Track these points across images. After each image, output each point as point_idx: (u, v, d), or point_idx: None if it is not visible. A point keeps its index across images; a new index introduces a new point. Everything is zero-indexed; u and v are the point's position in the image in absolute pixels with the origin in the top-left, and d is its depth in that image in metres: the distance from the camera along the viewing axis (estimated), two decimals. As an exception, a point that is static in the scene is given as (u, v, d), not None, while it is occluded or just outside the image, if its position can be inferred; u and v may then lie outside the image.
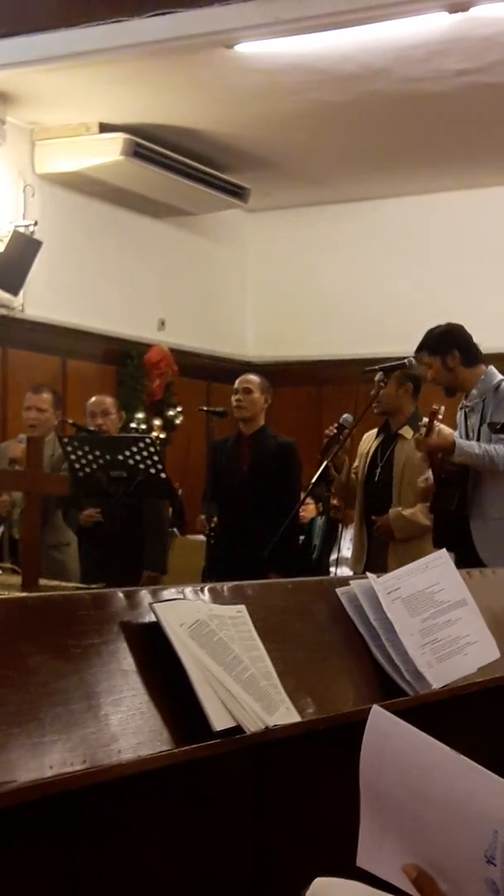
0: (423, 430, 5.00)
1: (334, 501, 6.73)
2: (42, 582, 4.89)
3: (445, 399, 5.38)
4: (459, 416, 5.25)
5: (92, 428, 6.10)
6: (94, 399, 6.43)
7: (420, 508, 5.46)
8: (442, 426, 5.12)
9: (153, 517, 6.09)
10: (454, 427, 5.31)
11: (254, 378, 6.34)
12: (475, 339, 5.35)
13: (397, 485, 5.56)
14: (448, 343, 5.17)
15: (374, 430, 5.84)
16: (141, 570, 5.95)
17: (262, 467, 6.20)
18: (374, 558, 5.49)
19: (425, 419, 5.10)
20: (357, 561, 5.67)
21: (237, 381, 6.35)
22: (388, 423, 5.72)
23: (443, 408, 5.14)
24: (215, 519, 6.10)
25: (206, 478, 6.41)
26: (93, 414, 6.26)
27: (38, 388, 6.26)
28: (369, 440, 5.80)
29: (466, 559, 4.55)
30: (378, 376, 5.60)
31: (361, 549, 5.67)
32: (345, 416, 5.52)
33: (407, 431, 5.61)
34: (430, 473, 5.22)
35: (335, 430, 5.48)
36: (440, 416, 5.06)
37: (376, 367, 5.65)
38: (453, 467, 5.02)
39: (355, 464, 5.74)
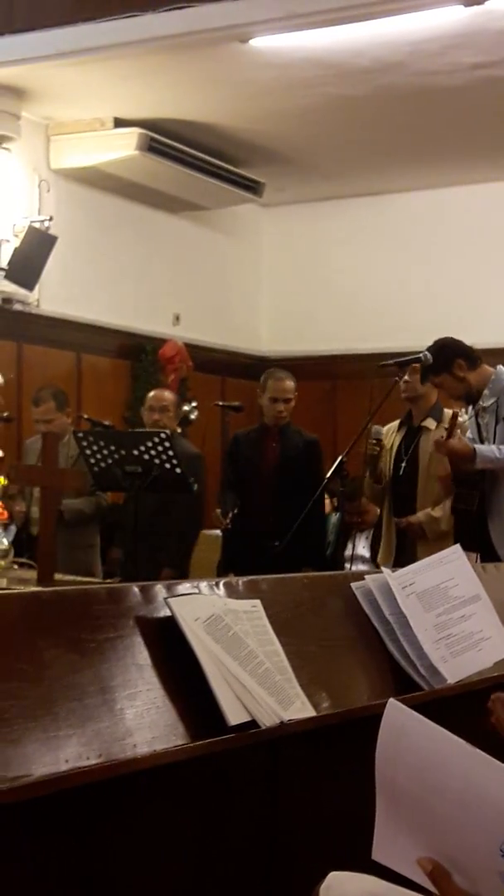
0: (445, 434, 4.99)
1: (357, 519, 6.72)
2: (57, 576, 4.91)
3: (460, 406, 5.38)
4: (471, 418, 5.23)
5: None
6: (153, 394, 6.44)
7: (446, 505, 5.45)
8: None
9: (183, 516, 6.08)
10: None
11: (292, 385, 6.25)
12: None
13: (423, 479, 5.54)
14: (449, 356, 5.15)
15: (395, 423, 5.81)
16: (159, 567, 5.93)
17: (290, 463, 6.17)
18: (405, 556, 5.46)
19: (445, 425, 5.09)
20: (386, 558, 5.64)
21: (277, 391, 6.20)
22: (411, 415, 5.70)
23: (464, 411, 5.14)
24: (231, 513, 6.07)
25: (224, 470, 6.37)
26: (151, 408, 6.27)
27: (37, 399, 6.16)
28: (391, 434, 5.78)
29: (488, 558, 4.55)
30: (406, 376, 5.59)
31: (390, 546, 5.65)
32: (375, 428, 5.56)
33: (430, 423, 5.60)
34: (447, 463, 5.20)
35: (377, 448, 5.51)
36: (461, 420, 5.06)
37: (391, 361, 5.63)
38: (472, 469, 5.01)
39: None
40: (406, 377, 5.58)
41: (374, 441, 5.54)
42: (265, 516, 6.06)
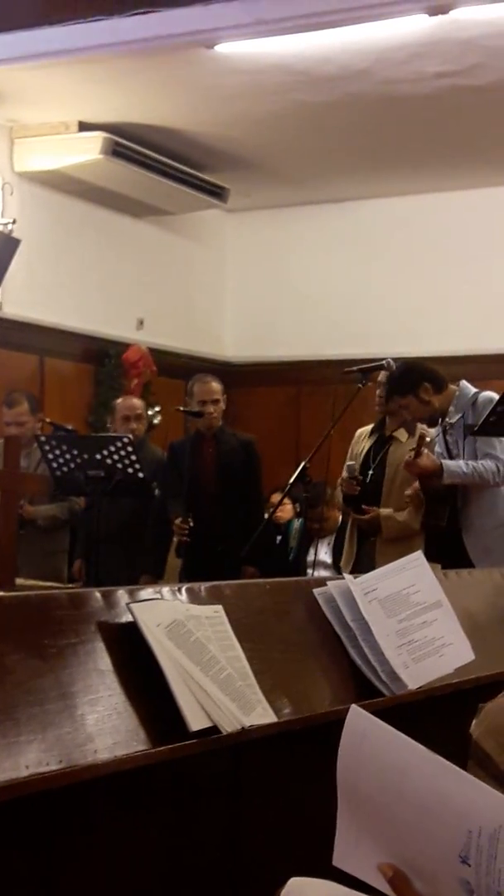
0: (412, 454, 5.01)
1: (316, 526, 6.80)
2: (19, 581, 4.89)
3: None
4: (438, 435, 5.24)
5: (114, 432, 6.10)
6: (124, 402, 6.41)
7: (410, 512, 5.48)
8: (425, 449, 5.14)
9: (156, 521, 6.09)
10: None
11: (218, 386, 6.32)
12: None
13: (388, 486, 5.57)
14: (416, 379, 5.16)
15: (367, 428, 5.83)
16: (132, 573, 5.90)
17: (229, 465, 6.23)
18: (364, 560, 5.49)
19: (416, 442, 5.13)
20: (347, 561, 5.68)
21: (204, 393, 6.28)
22: (384, 422, 5.72)
23: (431, 431, 5.17)
24: (190, 520, 6.08)
25: (171, 480, 6.35)
26: (126, 418, 6.24)
27: (11, 401, 6.14)
28: (362, 439, 5.80)
29: None
30: (378, 390, 5.62)
31: (352, 549, 5.68)
32: (349, 463, 5.60)
33: (402, 434, 5.62)
34: (415, 486, 5.26)
35: (357, 487, 5.54)
36: (428, 440, 5.08)
37: (355, 368, 5.65)
38: (440, 485, 5.04)
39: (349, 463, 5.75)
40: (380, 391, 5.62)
41: (354, 480, 5.57)
42: (210, 520, 6.08)
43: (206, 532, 6.03)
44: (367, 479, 5.62)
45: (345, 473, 5.65)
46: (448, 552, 4.93)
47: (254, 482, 6.34)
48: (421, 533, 5.47)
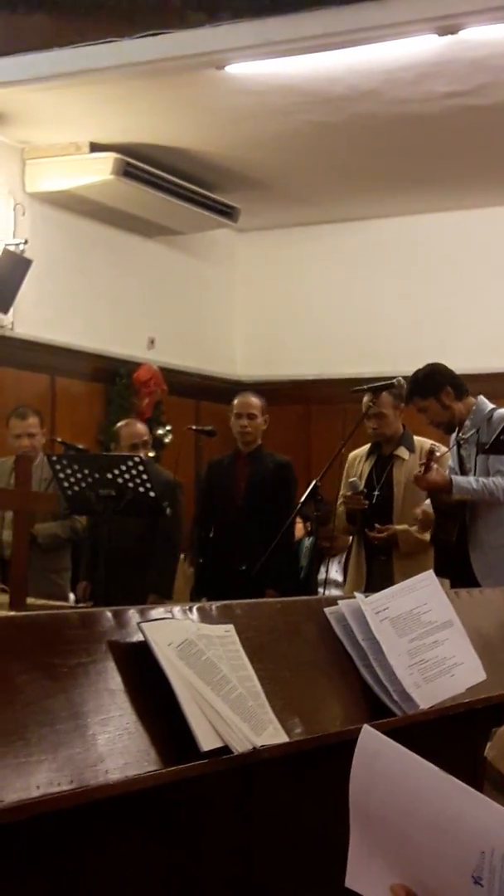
0: (422, 468, 5.02)
1: (327, 544, 6.78)
2: (30, 601, 4.89)
3: (438, 435, 5.40)
4: (453, 448, 5.25)
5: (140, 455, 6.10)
6: (129, 430, 6.37)
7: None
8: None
9: (165, 540, 6.08)
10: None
11: (256, 401, 6.32)
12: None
13: (399, 505, 5.56)
14: (439, 382, 5.18)
15: (362, 451, 5.81)
16: (142, 592, 5.89)
17: (259, 485, 6.21)
18: (377, 579, 5.47)
19: (421, 459, 5.13)
20: (356, 584, 5.63)
21: (240, 406, 6.29)
22: (380, 444, 5.72)
23: (440, 446, 5.18)
24: (210, 535, 6.08)
25: (196, 500, 6.38)
26: (135, 446, 6.22)
27: (23, 413, 6.18)
28: (359, 461, 5.78)
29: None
30: (366, 398, 5.61)
31: (360, 570, 5.65)
32: (352, 480, 5.59)
33: (403, 452, 5.61)
34: (425, 505, 5.25)
35: (365, 501, 5.53)
36: (438, 455, 5.08)
37: (365, 386, 5.65)
38: (450, 499, 5.04)
39: (343, 491, 5.72)
40: (374, 408, 5.57)
41: (360, 495, 5.56)
42: (236, 540, 6.07)
43: (229, 550, 6.02)
44: (374, 501, 5.61)
45: (347, 491, 5.63)
46: (455, 568, 4.93)
47: (284, 504, 6.17)
48: (431, 547, 5.46)
